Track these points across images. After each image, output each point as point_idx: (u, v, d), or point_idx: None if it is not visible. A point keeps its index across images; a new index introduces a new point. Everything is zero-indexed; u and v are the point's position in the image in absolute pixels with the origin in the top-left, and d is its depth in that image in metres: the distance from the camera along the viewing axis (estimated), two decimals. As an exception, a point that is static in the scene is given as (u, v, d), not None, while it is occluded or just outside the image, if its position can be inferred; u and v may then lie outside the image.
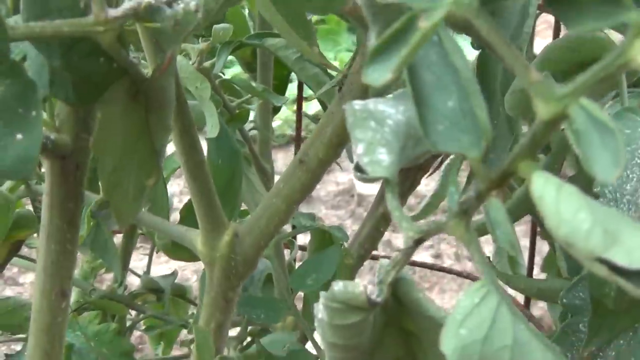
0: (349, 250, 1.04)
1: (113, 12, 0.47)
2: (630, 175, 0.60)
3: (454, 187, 0.43)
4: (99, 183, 0.71)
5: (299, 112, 1.23)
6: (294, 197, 0.73)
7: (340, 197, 3.81)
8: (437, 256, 3.40)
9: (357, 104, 0.48)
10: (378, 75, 0.37)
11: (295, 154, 1.35)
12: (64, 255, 0.61)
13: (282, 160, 3.44)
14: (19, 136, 0.47)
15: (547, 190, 0.36)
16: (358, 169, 0.47)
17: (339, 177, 3.91)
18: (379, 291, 0.46)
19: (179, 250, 0.89)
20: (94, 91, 0.52)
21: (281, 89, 1.23)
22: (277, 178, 0.92)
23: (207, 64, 0.98)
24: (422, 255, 3.35)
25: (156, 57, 0.59)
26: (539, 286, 0.97)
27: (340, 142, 0.70)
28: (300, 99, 1.35)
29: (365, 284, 0.46)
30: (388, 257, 0.47)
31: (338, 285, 0.46)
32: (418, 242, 0.45)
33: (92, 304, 1.22)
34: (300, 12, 0.57)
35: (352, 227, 3.59)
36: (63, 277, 0.62)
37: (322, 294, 0.47)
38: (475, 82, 0.41)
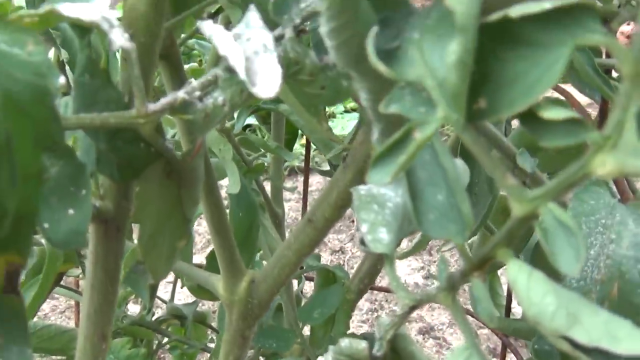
0: (350, 287, 1.06)
1: (152, 107, 0.50)
2: (594, 242, 0.62)
3: (442, 265, 0.45)
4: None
5: (307, 166, 1.25)
6: (303, 250, 0.75)
7: (341, 223, 3.83)
8: (427, 277, 3.41)
9: (362, 188, 0.50)
10: (380, 177, 0.40)
11: (304, 184, 1.40)
12: (106, 304, 0.63)
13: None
14: (71, 211, 0.49)
15: (520, 276, 0.39)
16: (362, 243, 0.50)
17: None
18: (379, 346, 0.49)
19: (203, 291, 0.92)
20: (135, 170, 0.55)
21: (292, 142, 1.26)
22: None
23: (228, 124, 1.00)
24: (415, 276, 3.37)
25: (188, 141, 0.61)
26: (515, 326, 0.99)
27: (344, 204, 0.72)
28: (308, 149, 1.38)
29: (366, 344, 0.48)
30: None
31: (344, 342, 0.48)
32: (413, 308, 0.48)
33: (123, 329, 1.24)
34: (312, 98, 0.60)
35: (352, 250, 3.61)
36: (104, 323, 0.64)
37: (331, 348, 0.49)
38: (460, 181, 0.43)
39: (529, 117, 0.39)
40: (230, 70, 0.51)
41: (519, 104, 0.38)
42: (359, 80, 0.46)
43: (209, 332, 1.49)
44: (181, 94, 0.50)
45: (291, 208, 3.41)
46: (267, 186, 1.27)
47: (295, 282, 1.25)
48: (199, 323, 1.38)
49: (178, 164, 0.55)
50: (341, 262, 3.43)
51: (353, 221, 3.79)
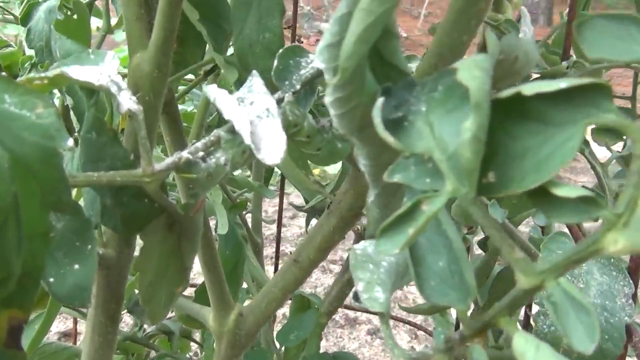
0: (323, 313, 1.01)
1: (158, 166, 0.44)
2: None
3: (440, 326, 0.39)
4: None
5: (281, 200, 1.19)
6: (288, 288, 0.69)
7: (302, 238, 3.79)
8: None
9: (358, 248, 0.44)
10: (388, 248, 0.34)
11: (278, 216, 1.35)
12: (106, 344, 0.57)
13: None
14: (76, 266, 0.43)
15: (528, 349, 0.33)
16: (356, 299, 0.44)
17: (301, 222, 3.89)
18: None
19: (192, 321, 0.85)
20: (138, 224, 0.48)
21: (269, 179, 1.22)
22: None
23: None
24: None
25: (187, 194, 0.55)
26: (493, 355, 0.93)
27: (328, 247, 0.67)
28: (282, 187, 1.32)
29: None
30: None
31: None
32: (406, 366, 0.41)
33: (117, 345, 1.17)
34: (302, 154, 0.54)
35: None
36: (104, 362, 0.58)
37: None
38: (464, 250, 0.37)
39: (538, 193, 0.33)
40: (233, 132, 0.45)
41: (530, 180, 0.32)
42: (359, 146, 0.40)
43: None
44: (185, 154, 0.44)
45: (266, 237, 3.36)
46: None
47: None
48: (184, 337, 1.31)
49: (180, 217, 0.49)
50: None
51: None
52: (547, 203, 0.33)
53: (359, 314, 3.09)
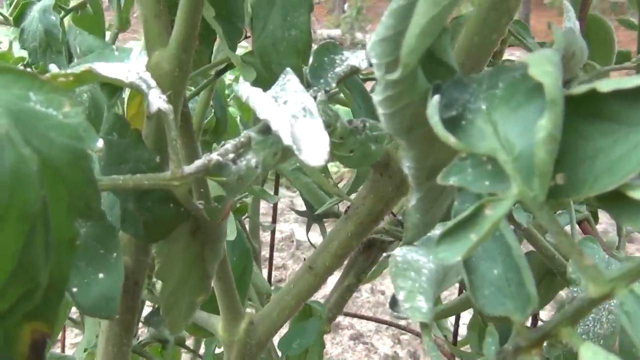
0: (326, 321, 0.98)
1: (187, 169, 0.41)
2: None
3: (491, 338, 0.37)
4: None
5: (275, 206, 1.17)
6: (302, 295, 0.67)
7: (283, 242, 3.78)
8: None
9: (399, 255, 0.42)
10: (450, 255, 0.32)
11: (272, 220, 1.33)
12: (120, 355, 0.54)
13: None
14: (101, 275, 0.40)
15: (596, 361, 0.31)
16: (393, 307, 0.42)
17: (282, 227, 3.88)
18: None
19: (199, 330, 0.82)
20: (163, 230, 0.46)
21: (264, 182, 1.19)
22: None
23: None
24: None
25: (198, 194, 0.53)
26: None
27: (344, 253, 0.65)
28: (277, 187, 1.30)
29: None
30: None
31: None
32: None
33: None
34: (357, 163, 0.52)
35: (292, 267, 3.54)
36: (118, 374, 0.55)
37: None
38: (524, 257, 0.35)
39: (610, 197, 0.31)
40: (264, 133, 0.42)
41: (604, 183, 0.30)
42: (406, 148, 0.38)
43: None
44: (215, 156, 0.42)
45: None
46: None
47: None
48: (178, 345, 1.28)
49: (205, 222, 0.46)
50: (283, 277, 3.37)
51: (292, 241, 3.74)
52: (621, 207, 0.31)
53: (341, 318, 3.08)
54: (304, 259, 0.95)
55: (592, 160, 0.31)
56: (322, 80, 0.44)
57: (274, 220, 1.33)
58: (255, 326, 0.70)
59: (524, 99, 0.32)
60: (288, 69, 0.43)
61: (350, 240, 0.63)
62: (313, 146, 0.37)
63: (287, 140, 0.38)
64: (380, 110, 0.36)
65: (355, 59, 0.44)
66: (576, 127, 0.31)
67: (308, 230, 1.04)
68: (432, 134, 0.34)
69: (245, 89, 0.42)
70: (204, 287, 0.50)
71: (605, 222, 2.98)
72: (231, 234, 0.78)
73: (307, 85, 0.45)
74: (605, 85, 0.30)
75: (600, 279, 0.31)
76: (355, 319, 3.06)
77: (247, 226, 1.17)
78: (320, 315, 0.98)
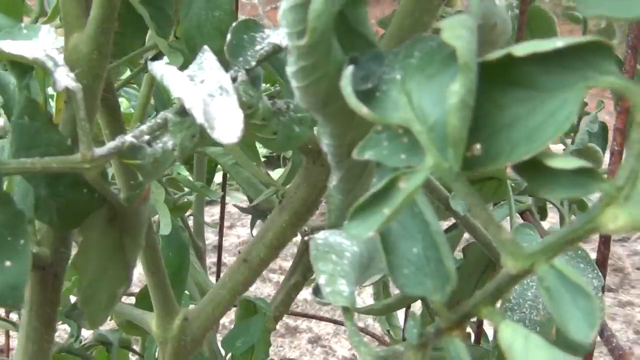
0: (271, 318, 0.96)
1: (99, 151, 0.39)
2: (531, 283, 0.54)
3: (413, 321, 0.36)
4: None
5: (223, 202, 1.15)
6: (237, 289, 0.65)
7: (241, 247, 3.76)
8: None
9: (320, 238, 0.40)
10: (361, 231, 0.30)
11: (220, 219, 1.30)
12: (41, 353, 0.52)
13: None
14: (8, 263, 0.38)
15: (516, 339, 0.29)
16: (316, 293, 0.40)
17: (240, 231, 3.85)
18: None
19: (133, 327, 0.80)
20: (77, 218, 0.44)
21: (210, 181, 1.17)
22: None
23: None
24: (304, 292, 3.29)
25: (128, 186, 0.51)
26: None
27: (279, 244, 0.63)
28: (224, 187, 1.28)
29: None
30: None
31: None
32: (375, 365, 0.38)
33: (52, 356, 1.11)
34: (252, 142, 0.50)
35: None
36: (39, 372, 0.53)
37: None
38: (442, 233, 0.34)
39: (528, 166, 0.29)
40: (181, 114, 0.40)
41: (521, 152, 0.29)
42: (323, 124, 0.36)
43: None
44: (129, 137, 0.40)
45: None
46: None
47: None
48: (123, 348, 1.25)
49: (122, 209, 0.44)
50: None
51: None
52: (539, 177, 0.29)
53: (299, 322, 3.06)
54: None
55: (510, 130, 0.30)
56: (241, 59, 0.42)
57: (222, 219, 1.30)
58: (190, 322, 0.68)
59: (439, 67, 0.31)
60: (205, 47, 0.41)
61: (285, 230, 0.61)
62: (226, 124, 0.36)
63: (199, 119, 0.36)
64: (294, 83, 0.34)
65: (276, 36, 0.43)
66: (493, 96, 0.30)
67: (252, 227, 1.02)
68: (349, 109, 0.32)
69: (160, 68, 0.40)
70: (124, 277, 0.48)
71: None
72: (166, 228, 0.76)
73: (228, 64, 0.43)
74: (521, 49, 0.28)
75: (520, 254, 0.30)
76: (313, 323, 3.04)
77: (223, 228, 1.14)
78: (264, 312, 0.96)
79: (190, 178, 1.09)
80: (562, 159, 0.29)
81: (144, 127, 0.41)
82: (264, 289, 3.29)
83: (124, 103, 1.35)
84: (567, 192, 0.29)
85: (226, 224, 3.77)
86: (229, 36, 0.41)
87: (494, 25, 0.35)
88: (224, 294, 0.66)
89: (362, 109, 0.31)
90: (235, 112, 0.36)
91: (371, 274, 0.44)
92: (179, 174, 1.15)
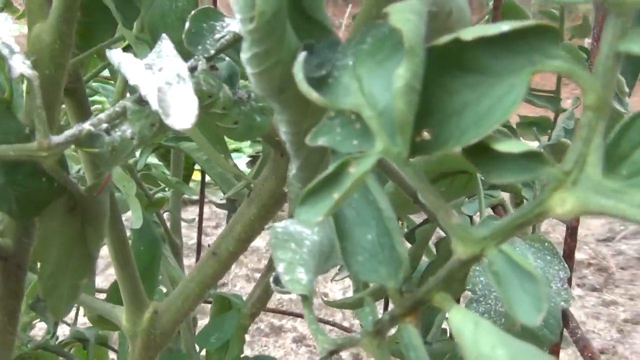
0: (245, 314, 0.96)
1: (55, 139, 0.39)
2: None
3: (368, 308, 0.36)
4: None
5: (202, 199, 1.15)
6: (206, 282, 0.65)
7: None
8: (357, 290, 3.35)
9: (279, 226, 0.40)
10: (310, 216, 0.30)
11: (199, 216, 1.30)
12: (4, 345, 0.51)
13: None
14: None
15: (466, 325, 0.29)
16: (277, 283, 0.40)
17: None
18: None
19: (105, 322, 0.80)
20: (36, 207, 0.44)
21: (188, 178, 1.16)
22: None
23: (131, 161, 0.89)
24: (349, 293, 3.31)
25: (93, 176, 0.50)
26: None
27: (248, 238, 0.63)
28: (203, 184, 1.27)
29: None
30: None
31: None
32: (332, 353, 0.38)
33: (28, 354, 1.10)
34: (220, 135, 0.50)
35: (234, 270, 3.50)
36: (2, 363, 0.52)
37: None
38: (395, 220, 0.34)
39: (476, 151, 0.29)
40: (140, 103, 0.40)
41: (470, 136, 0.29)
42: (279, 112, 0.36)
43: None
44: (87, 125, 0.39)
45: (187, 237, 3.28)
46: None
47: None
48: (101, 345, 1.24)
49: (83, 199, 0.44)
50: (225, 282, 3.33)
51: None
52: (488, 162, 0.29)
53: (284, 321, 3.06)
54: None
55: (460, 115, 0.30)
56: (200, 47, 0.42)
57: (201, 217, 1.30)
58: (160, 315, 0.68)
59: (389, 52, 0.31)
60: (164, 35, 0.41)
61: (253, 223, 0.61)
62: (181, 110, 0.35)
63: (154, 106, 0.36)
64: (248, 70, 0.34)
65: (236, 25, 0.43)
66: (444, 82, 0.30)
67: (228, 221, 1.02)
68: (305, 96, 0.32)
69: (117, 56, 0.40)
70: (88, 268, 0.48)
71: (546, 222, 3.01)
72: (137, 222, 0.75)
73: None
74: (468, 33, 0.28)
75: (469, 238, 0.30)
76: (298, 322, 3.03)
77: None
78: (239, 308, 0.96)
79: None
80: (509, 143, 0.29)
81: (102, 116, 0.40)
82: (249, 289, 3.29)
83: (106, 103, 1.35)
84: (515, 176, 0.29)
85: (212, 223, 3.75)
86: (187, 24, 0.41)
87: (449, 13, 0.35)
88: (193, 287, 0.66)
89: (313, 94, 0.31)
90: (190, 99, 0.36)
91: (333, 263, 0.43)
92: (156, 169, 1.15)
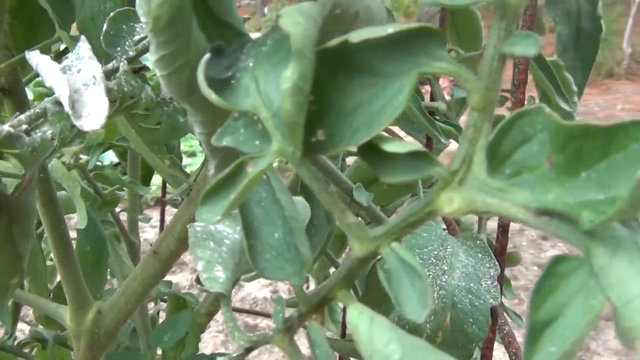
0: (199, 311, 0.96)
1: (-27, 141, 0.39)
2: (427, 273, 0.54)
3: (279, 306, 0.36)
4: None
5: (163, 199, 1.15)
6: (148, 281, 0.66)
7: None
8: (275, 291, 3.35)
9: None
10: (209, 215, 0.31)
11: (161, 215, 1.30)
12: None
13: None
14: None
15: (362, 321, 0.30)
16: (198, 281, 0.41)
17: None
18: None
19: (52, 322, 0.80)
20: (-41, 208, 0.44)
21: (149, 176, 1.16)
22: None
23: (83, 160, 0.89)
24: (264, 291, 3.30)
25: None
26: (351, 346, 0.90)
27: (187, 237, 0.63)
28: (164, 183, 1.27)
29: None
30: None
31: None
32: (248, 350, 0.38)
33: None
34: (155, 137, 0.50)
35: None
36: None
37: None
38: (299, 219, 0.34)
39: (370, 151, 0.30)
40: (60, 104, 0.41)
41: (360, 136, 0.29)
42: (191, 113, 0.37)
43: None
44: (6, 127, 0.40)
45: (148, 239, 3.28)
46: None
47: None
48: (60, 345, 1.24)
49: (7, 199, 0.44)
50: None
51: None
52: (380, 162, 0.30)
53: (259, 320, 3.06)
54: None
55: (353, 115, 0.30)
56: (118, 49, 0.42)
57: (162, 218, 1.30)
58: (104, 315, 0.68)
59: (285, 55, 0.31)
60: (82, 36, 0.41)
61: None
62: (91, 112, 0.36)
63: (66, 107, 0.36)
64: (157, 72, 0.35)
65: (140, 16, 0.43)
66: (340, 83, 0.31)
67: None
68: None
69: (35, 57, 0.40)
70: (18, 268, 0.48)
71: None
72: (82, 222, 0.76)
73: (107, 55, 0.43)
74: (356, 36, 0.29)
75: (364, 237, 0.31)
76: (272, 321, 3.03)
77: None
78: (192, 307, 0.96)
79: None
80: (396, 143, 0.29)
81: (22, 117, 0.41)
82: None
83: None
84: (405, 176, 0.30)
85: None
86: (105, 26, 0.42)
87: (356, 14, 0.35)
88: (136, 286, 0.66)
89: (212, 96, 0.31)
90: (101, 100, 0.37)
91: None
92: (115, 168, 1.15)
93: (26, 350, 1.20)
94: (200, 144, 0.50)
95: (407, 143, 0.29)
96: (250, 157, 0.31)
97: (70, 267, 0.67)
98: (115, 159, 1.23)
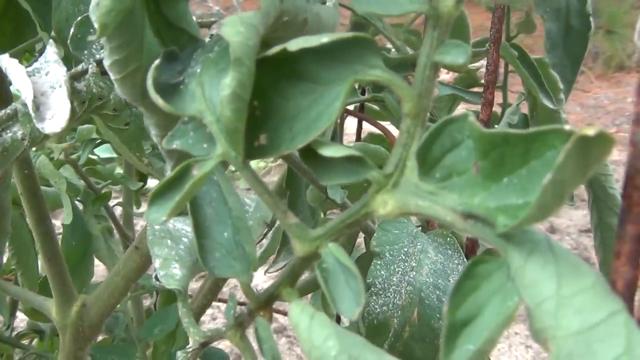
0: (195, 307, 0.98)
1: (-56, 140, 0.41)
2: (397, 269, 0.56)
3: (231, 303, 0.37)
4: None
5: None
6: (130, 276, 0.67)
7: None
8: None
9: (157, 224, 0.42)
10: (156, 216, 0.32)
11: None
12: None
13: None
14: None
15: (302, 318, 0.31)
16: (157, 278, 0.42)
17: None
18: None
19: (37, 314, 0.81)
20: None
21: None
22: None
23: (74, 156, 0.91)
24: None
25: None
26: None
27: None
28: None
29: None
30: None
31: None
32: (204, 345, 0.39)
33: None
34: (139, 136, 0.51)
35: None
36: None
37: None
38: (244, 219, 0.35)
39: (310, 155, 0.31)
40: (29, 105, 0.42)
41: (299, 141, 0.31)
42: (147, 115, 0.38)
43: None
44: (-25, 127, 0.41)
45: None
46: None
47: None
48: (57, 336, 1.26)
49: (-20, 197, 0.46)
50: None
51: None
52: (319, 165, 0.31)
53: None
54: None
55: (293, 120, 0.31)
56: (85, 52, 0.43)
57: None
58: (88, 308, 0.69)
59: (230, 61, 0.32)
60: (50, 40, 0.42)
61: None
62: (53, 115, 0.37)
63: (30, 110, 0.38)
64: (112, 76, 0.36)
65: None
66: (280, 90, 0.32)
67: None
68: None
69: (4, 61, 0.41)
70: (-7, 263, 0.49)
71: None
72: (67, 217, 0.77)
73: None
74: (293, 45, 0.30)
75: (305, 237, 0.32)
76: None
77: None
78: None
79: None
80: (333, 148, 0.30)
81: (-9, 118, 0.42)
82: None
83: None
84: (343, 179, 0.31)
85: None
86: (72, 29, 0.43)
87: (304, 21, 0.36)
88: (118, 280, 0.67)
89: (159, 101, 0.32)
90: (63, 103, 0.38)
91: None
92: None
93: (25, 342, 1.21)
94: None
95: (343, 147, 0.30)
96: (196, 160, 0.32)
97: (55, 261, 0.68)
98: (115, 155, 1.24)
